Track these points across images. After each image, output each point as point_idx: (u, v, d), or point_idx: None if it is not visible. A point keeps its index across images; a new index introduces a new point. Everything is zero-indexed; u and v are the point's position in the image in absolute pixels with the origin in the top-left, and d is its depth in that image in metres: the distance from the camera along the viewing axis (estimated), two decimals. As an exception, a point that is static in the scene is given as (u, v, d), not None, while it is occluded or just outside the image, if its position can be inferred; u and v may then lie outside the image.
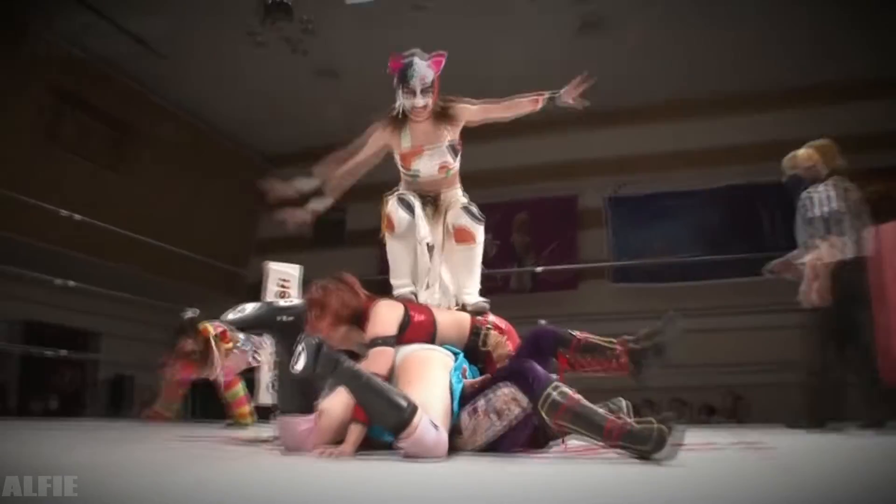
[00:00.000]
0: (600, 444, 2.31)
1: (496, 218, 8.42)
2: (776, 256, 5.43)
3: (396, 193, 3.43)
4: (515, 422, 2.52)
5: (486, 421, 2.54)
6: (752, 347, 8.52)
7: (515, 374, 2.53)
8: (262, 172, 12.25)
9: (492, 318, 3.19)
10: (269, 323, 2.39)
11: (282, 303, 2.42)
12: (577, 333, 2.83)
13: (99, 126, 10.04)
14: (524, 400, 2.46)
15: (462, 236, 3.41)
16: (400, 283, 3.37)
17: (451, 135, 3.47)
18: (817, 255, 4.47)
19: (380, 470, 2.00)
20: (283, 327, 2.39)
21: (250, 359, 5.44)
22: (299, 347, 2.33)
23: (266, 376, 5.90)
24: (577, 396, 2.38)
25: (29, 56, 8.23)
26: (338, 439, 2.57)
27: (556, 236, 10.47)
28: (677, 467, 2.06)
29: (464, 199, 3.51)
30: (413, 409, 2.27)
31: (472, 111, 3.52)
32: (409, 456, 2.29)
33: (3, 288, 8.54)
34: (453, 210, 3.45)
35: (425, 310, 3.02)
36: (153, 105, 10.15)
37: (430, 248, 3.37)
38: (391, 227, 3.35)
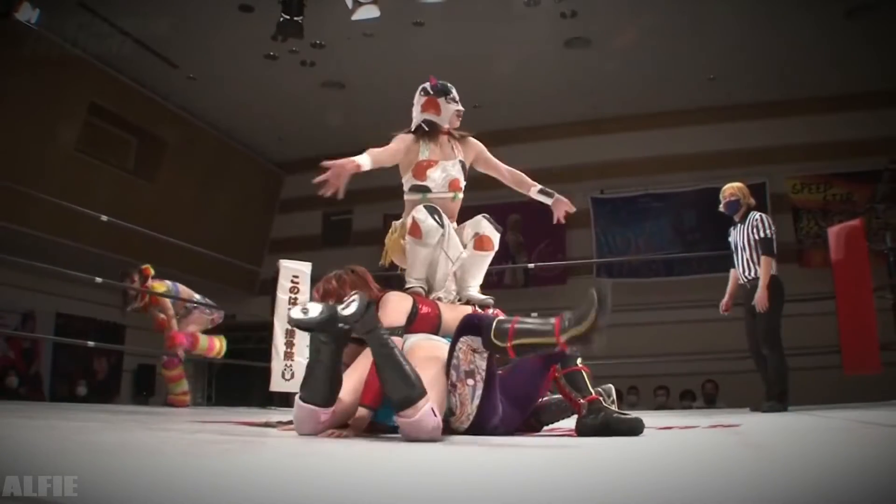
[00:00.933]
0: (553, 345, 2.26)
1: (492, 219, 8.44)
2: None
3: (423, 204, 3.31)
4: (486, 374, 2.51)
5: (464, 388, 2.52)
6: (728, 337, 8.54)
7: (460, 328, 2.54)
8: (275, 178, 12.37)
9: (492, 311, 3.18)
10: (328, 329, 2.38)
11: (342, 310, 2.39)
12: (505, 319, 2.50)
13: (128, 137, 10.13)
14: (477, 342, 2.46)
15: (483, 244, 3.41)
16: (414, 279, 3.33)
17: (460, 154, 3.50)
18: (765, 270, 5.07)
19: (383, 452, 2.01)
20: (338, 333, 2.39)
21: (209, 318, 6.61)
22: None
23: (279, 365, 5.92)
24: (517, 317, 2.41)
25: (71, 76, 8.36)
26: (345, 423, 2.58)
27: (546, 235, 10.47)
28: (658, 447, 2.07)
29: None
30: (422, 392, 2.26)
31: (481, 147, 3.62)
32: (406, 435, 2.29)
33: (39, 284, 8.57)
34: (473, 220, 3.45)
35: (432, 303, 3.03)
36: (178, 118, 10.19)
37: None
38: (417, 233, 3.23)
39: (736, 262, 5.34)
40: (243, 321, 9.08)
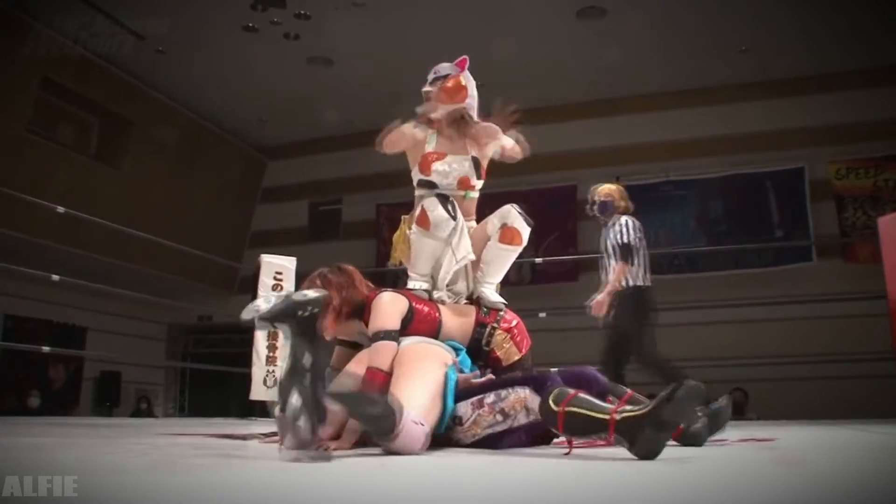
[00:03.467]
0: (607, 422, 2.20)
1: (495, 209, 8.41)
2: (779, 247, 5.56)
3: (436, 191, 3.28)
4: (517, 425, 2.53)
5: (489, 417, 2.55)
6: (759, 341, 8.55)
7: (531, 379, 2.55)
8: (256, 164, 12.35)
9: (502, 313, 3.16)
10: (287, 318, 2.37)
11: (296, 296, 2.37)
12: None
13: (89, 117, 10.05)
14: (535, 403, 2.45)
15: (511, 237, 3.31)
16: (417, 274, 3.29)
17: (474, 151, 3.38)
18: (616, 277, 5.22)
19: (375, 463, 2.00)
20: (301, 322, 2.36)
21: None
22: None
23: (261, 371, 5.89)
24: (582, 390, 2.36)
25: (21, 48, 8.22)
26: (337, 431, 2.58)
27: (555, 227, 10.46)
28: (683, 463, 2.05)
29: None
30: (395, 416, 2.23)
31: (499, 135, 3.42)
32: (390, 451, 2.29)
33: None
34: (501, 210, 3.36)
35: (430, 304, 3.02)
36: (145, 96, 10.14)
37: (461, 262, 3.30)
38: (426, 224, 3.18)
39: (602, 267, 5.47)
40: (221, 322, 9.11)
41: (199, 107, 10.88)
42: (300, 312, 2.34)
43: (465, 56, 3.41)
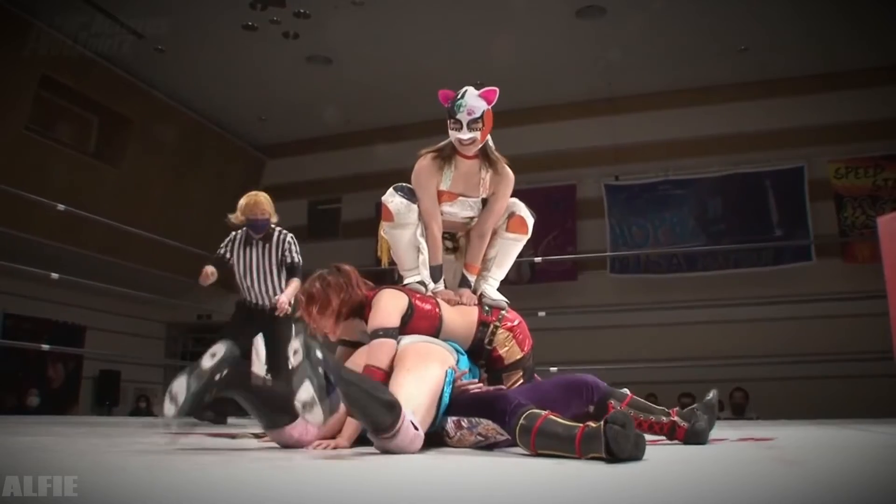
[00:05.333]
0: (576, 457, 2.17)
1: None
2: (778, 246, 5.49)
3: (394, 185, 3.34)
4: (503, 439, 2.51)
5: (471, 437, 2.56)
6: (759, 341, 8.55)
7: (490, 408, 2.48)
8: (256, 163, 12.34)
9: (504, 312, 3.16)
10: (212, 390, 2.38)
11: (205, 363, 2.38)
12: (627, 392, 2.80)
13: (88, 116, 10.04)
14: (504, 434, 2.45)
15: (517, 226, 3.39)
16: (408, 273, 3.31)
17: (485, 191, 3.35)
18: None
19: (375, 464, 2.00)
20: (226, 383, 2.38)
21: None
22: (306, 393, 2.17)
23: (260, 370, 5.88)
24: (546, 415, 2.28)
25: (19, 46, 8.21)
26: (334, 431, 2.58)
27: (555, 226, 10.46)
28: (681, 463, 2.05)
29: None
30: (397, 413, 2.25)
31: (506, 185, 3.37)
32: (382, 450, 2.30)
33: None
34: (510, 203, 3.41)
35: (431, 301, 3.01)
36: (144, 94, 10.10)
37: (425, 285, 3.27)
38: (389, 217, 3.28)
39: (249, 283, 5.33)
40: (220, 321, 9.08)
41: (199, 105, 10.86)
42: (218, 377, 2.36)
43: (494, 88, 3.25)
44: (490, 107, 3.23)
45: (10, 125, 8.51)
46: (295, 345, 2.25)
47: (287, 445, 2.54)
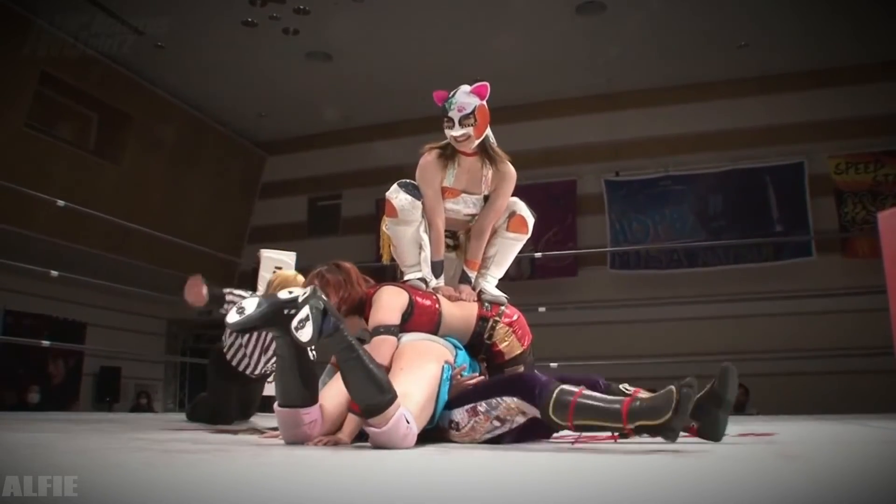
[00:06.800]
0: (620, 430, 2.28)
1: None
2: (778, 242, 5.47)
3: (399, 181, 3.33)
4: (517, 425, 2.51)
5: (486, 424, 2.54)
6: (760, 336, 8.55)
7: (517, 385, 2.51)
8: (256, 159, 12.33)
9: (504, 308, 3.15)
10: (276, 320, 2.36)
11: (282, 295, 2.38)
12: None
13: (88, 113, 10.03)
14: (531, 410, 2.44)
15: (517, 225, 3.38)
16: (409, 269, 3.30)
17: (488, 188, 3.36)
18: None
19: (376, 461, 1.99)
20: (287, 322, 2.35)
21: None
22: (304, 312, 2.24)
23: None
24: (581, 390, 2.35)
25: (19, 42, 8.21)
26: (334, 429, 2.58)
27: (555, 222, 10.45)
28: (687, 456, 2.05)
29: None
30: (392, 397, 2.26)
31: (508, 181, 3.37)
32: (375, 444, 2.30)
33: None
34: (510, 202, 3.41)
35: (431, 297, 3.01)
36: (144, 91, 10.11)
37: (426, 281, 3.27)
38: (393, 213, 3.26)
39: (244, 350, 4.90)
40: (220, 317, 9.07)
41: (199, 102, 10.86)
42: (287, 311, 2.34)
43: (485, 83, 3.25)
44: (483, 102, 3.23)
45: (9, 122, 8.50)
46: (307, 290, 2.31)
47: (288, 433, 2.52)
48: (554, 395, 2.34)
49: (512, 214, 3.39)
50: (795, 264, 9.28)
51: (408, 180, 3.31)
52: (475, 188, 3.34)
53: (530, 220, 3.42)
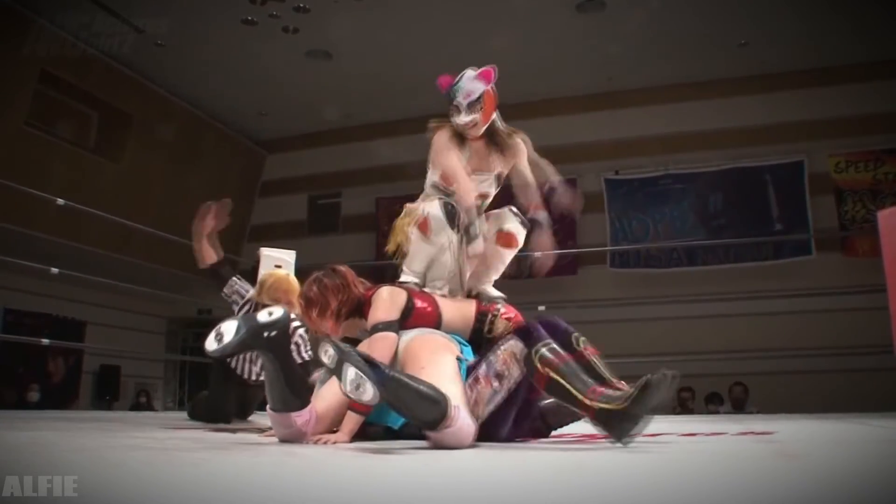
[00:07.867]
0: (582, 402, 2.31)
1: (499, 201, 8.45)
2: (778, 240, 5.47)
3: (442, 199, 3.24)
4: (514, 386, 2.50)
5: (487, 389, 2.51)
6: (759, 335, 8.55)
7: (517, 331, 2.57)
8: (256, 158, 12.33)
9: (500, 306, 3.16)
10: (256, 344, 2.37)
11: (262, 318, 2.38)
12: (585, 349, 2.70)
13: (88, 111, 10.02)
14: (522, 352, 2.45)
15: (508, 241, 3.38)
16: (411, 272, 3.30)
17: (501, 166, 3.38)
18: None
19: (380, 460, 1.99)
20: (270, 343, 2.37)
21: None
22: (351, 373, 2.13)
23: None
24: (571, 357, 2.45)
25: (18, 41, 8.18)
26: (333, 428, 2.58)
27: (554, 220, 10.43)
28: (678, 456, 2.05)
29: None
30: (446, 401, 2.20)
31: (525, 154, 3.42)
32: (441, 446, 2.24)
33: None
34: (498, 213, 3.41)
35: (429, 297, 3.02)
36: (144, 90, 10.10)
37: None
38: (426, 230, 3.20)
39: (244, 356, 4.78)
40: (220, 316, 9.07)
41: (199, 100, 10.84)
42: (266, 334, 2.35)
43: (491, 67, 3.31)
44: (489, 86, 3.26)
45: (9, 121, 8.50)
46: (325, 346, 2.24)
47: (285, 434, 2.52)
48: (547, 347, 2.42)
49: (499, 231, 3.37)
50: (795, 263, 9.28)
51: (453, 205, 3.22)
52: (486, 167, 3.37)
53: (521, 235, 3.40)
